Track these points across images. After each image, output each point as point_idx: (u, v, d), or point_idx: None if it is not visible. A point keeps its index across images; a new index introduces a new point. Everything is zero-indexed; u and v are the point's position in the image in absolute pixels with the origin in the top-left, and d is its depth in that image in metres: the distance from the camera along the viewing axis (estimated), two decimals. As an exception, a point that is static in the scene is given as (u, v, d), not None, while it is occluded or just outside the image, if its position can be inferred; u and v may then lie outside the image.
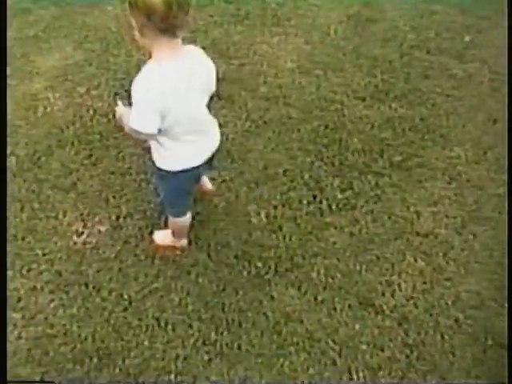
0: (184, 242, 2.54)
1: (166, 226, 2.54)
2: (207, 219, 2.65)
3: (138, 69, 1.81)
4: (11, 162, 2.88)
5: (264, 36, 3.70)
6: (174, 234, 2.50)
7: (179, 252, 2.54)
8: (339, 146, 2.99)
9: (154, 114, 1.89)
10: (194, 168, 2.14)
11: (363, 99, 3.27)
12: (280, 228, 2.62)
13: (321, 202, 2.73)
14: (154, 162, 2.17)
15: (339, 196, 2.75)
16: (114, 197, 2.71)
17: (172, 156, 2.10)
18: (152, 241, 2.57)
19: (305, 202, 2.73)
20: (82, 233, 2.60)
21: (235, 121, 3.08)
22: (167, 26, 1.79)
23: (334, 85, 3.36)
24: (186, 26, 1.83)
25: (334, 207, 2.71)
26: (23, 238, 2.59)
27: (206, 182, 2.69)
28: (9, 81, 3.28)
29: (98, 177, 2.80)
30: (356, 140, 3.02)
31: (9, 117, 3.06)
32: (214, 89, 2.10)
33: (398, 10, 3.98)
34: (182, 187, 2.24)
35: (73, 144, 2.96)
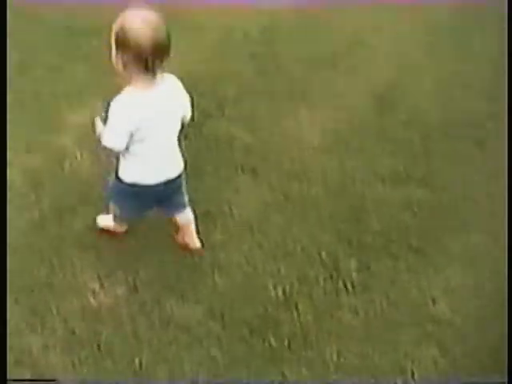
0: (124, 227, 2.78)
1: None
2: (223, 290, 2.69)
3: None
4: (34, 214, 2.96)
5: (290, 110, 3.83)
6: (114, 219, 2.74)
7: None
8: (358, 226, 3.06)
9: (124, 133, 2.20)
10: (151, 186, 2.42)
11: (384, 181, 3.36)
12: (296, 305, 2.65)
13: (337, 281, 2.77)
14: (116, 172, 2.46)
15: (355, 276, 2.79)
16: (133, 260, 2.77)
17: (133, 170, 2.41)
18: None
19: (321, 280, 2.77)
20: (99, 293, 2.64)
21: (257, 193, 3.16)
22: (151, 66, 2.11)
23: (356, 164, 3.46)
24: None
25: (349, 287, 2.75)
26: (40, 292, 2.63)
27: (193, 238, 2.83)
28: (39, 134, 3.43)
29: (118, 238, 2.86)
30: (375, 221, 3.09)
31: (36, 170, 3.18)
32: (188, 115, 2.47)
33: (423, 92, 4.12)
34: (136, 200, 2.51)
35: (96, 203, 3.04)
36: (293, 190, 3.22)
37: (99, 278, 2.70)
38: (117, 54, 2.13)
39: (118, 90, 3.79)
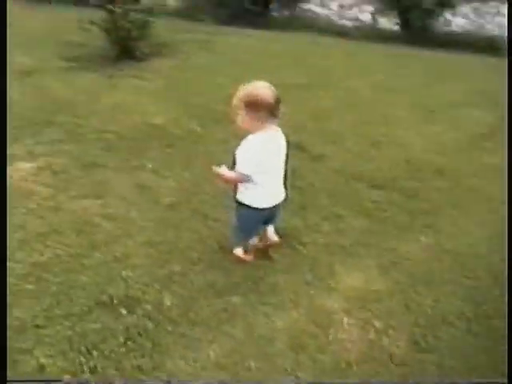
0: (250, 257, 3.61)
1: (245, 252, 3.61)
2: None
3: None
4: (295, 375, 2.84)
5: None
6: (241, 245, 3.59)
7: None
8: None
9: (254, 163, 3.11)
10: (263, 209, 3.31)
11: None
12: None
13: None
14: (236, 198, 3.35)
15: None
16: None
17: (252, 196, 3.27)
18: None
19: None
20: None
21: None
22: (275, 113, 3.09)
23: None
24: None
25: None
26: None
27: (273, 236, 3.67)
28: (306, 290, 3.38)
29: None
30: None
31: (299, 330, 3.11)
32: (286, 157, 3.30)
33: None
34: (252, 220, 3.40)
35: (358, 372, 2.85)
36: None
37: None
38: (247, 115, 3.06)
39: (395, 258, 3.70)
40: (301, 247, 3.82)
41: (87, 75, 7.91)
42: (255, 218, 3.39)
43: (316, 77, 8.00)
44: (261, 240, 3.69)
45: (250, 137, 3.12)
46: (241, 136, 3.20)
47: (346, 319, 3.21)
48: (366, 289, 3.45)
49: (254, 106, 3.04)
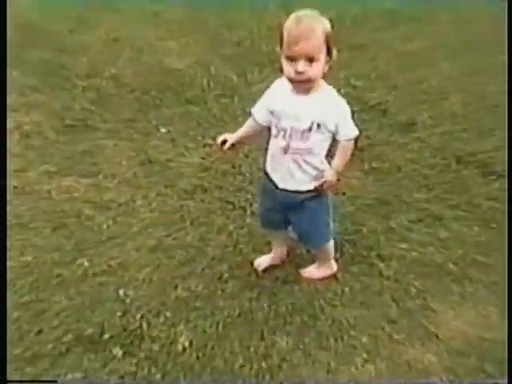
0: (334, 266, 3.52)
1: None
2: None
3: None
4: None
5: None
6: (319, 264, 3.51)
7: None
8: None
9: None
10: None
11: None
12: None
13: None
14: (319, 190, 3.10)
15: None
16: None
17: None
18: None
19: None
20: None
21: None
22: None
23: None
24: None
25: None
26: None
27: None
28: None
29: None
30: None
31: None
32: None
33: None
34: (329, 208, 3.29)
35: None
36: None
37: None
38: (325, 58, 2.78)
39: None
40: (380, 264, 3.58)
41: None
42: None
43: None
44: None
45: (334, 91, 2.94)
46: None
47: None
48: (480, 337, 3.16)
49: (331, 45, 2.78)
